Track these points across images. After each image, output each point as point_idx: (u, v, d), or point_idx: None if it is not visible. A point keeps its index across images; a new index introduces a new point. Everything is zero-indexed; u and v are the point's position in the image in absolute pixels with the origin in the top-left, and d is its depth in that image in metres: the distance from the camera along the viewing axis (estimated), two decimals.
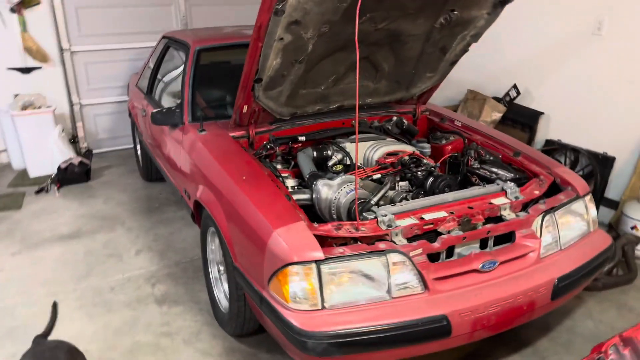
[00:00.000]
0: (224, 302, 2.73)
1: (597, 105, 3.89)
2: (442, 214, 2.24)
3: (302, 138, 2.91)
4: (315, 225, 2.11)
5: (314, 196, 2.48)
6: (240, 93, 2.59)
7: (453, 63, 3.01)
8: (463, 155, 2.92)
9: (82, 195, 4.62)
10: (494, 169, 2.72)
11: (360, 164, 2.81)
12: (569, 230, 2.42)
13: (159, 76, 4.14)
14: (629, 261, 3.13)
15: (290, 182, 2.63)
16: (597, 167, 3.78)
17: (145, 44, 5.44)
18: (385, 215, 2.15)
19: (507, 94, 4.41)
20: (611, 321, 2.79)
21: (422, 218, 2.21)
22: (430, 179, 2.57)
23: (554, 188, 2.58)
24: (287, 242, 1.99)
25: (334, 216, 2.39)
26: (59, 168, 4.80)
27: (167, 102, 3.82)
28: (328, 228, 2.11)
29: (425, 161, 2.71)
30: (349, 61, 2.73)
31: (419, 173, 2.63)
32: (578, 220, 2.47)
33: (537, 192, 2.48)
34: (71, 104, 5.49)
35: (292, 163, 2.87)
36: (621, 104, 3.72)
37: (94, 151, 5.47)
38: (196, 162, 2.83)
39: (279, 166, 2.74)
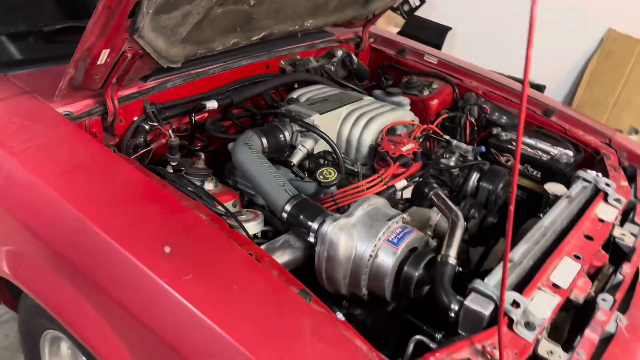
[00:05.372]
0: None
1: (519, 22, 3.15)
2: (569, 265, 1.21)
3: (213, 104, 1.50)
4: None
5: (318, 250, 1.15)
6: (98, 22, 1.06)
7: None
8: (460, 116, 1.86)
9: None
10: (538, 142, 1.74)
11: (343, 155, 1.52)
12: None
13: None
14: None
15: (254, 226, 1.21)
16: None
17: None
18: (518, 305, 1.02)
19: (406, 1, 3.38)
20: None
21: (556, 285, 1.14)
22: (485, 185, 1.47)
23: None
24: None
25: (364, 289, 1.15)
26: None
27: None
28: None
29: (456, 144, 1.57)
30: None
31: (455, 172, 1.50)
32: None
33: (624, 184, 1.60)
34: None
35: (203, 156, 1.43)
36: (551, 23, 3.03)
37: None
38: None
39: (208, 186, 1.25)
